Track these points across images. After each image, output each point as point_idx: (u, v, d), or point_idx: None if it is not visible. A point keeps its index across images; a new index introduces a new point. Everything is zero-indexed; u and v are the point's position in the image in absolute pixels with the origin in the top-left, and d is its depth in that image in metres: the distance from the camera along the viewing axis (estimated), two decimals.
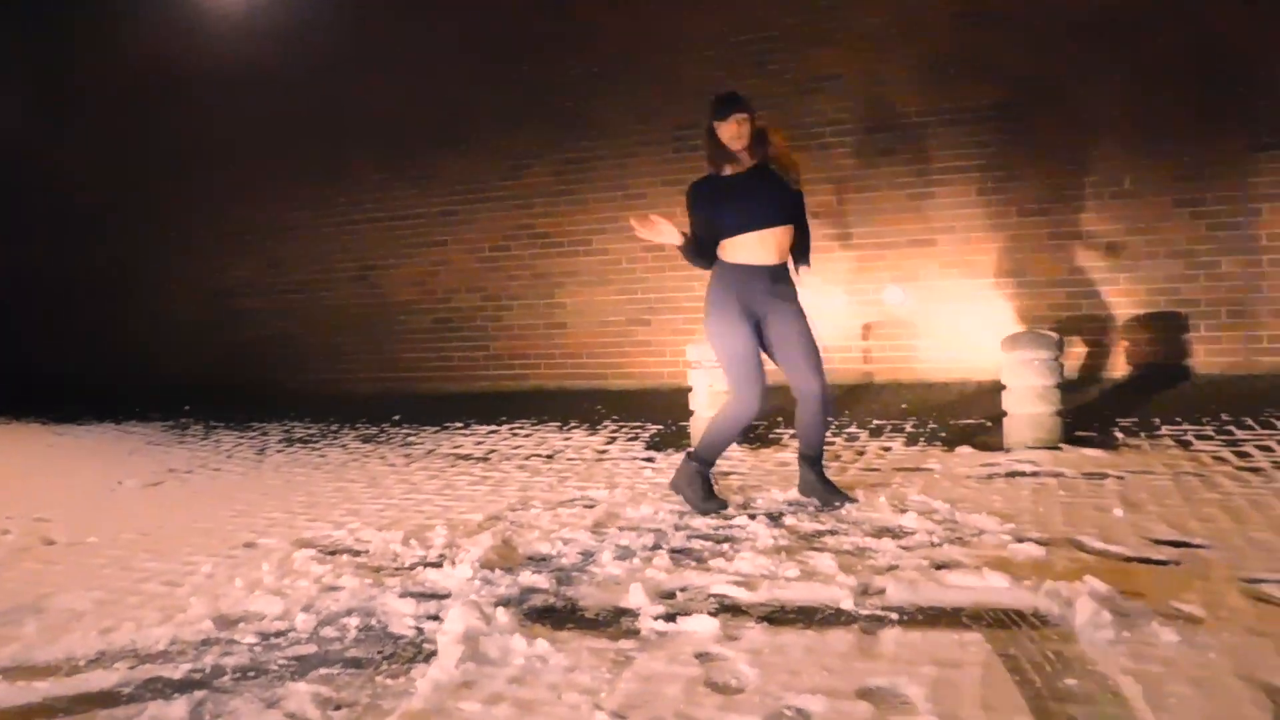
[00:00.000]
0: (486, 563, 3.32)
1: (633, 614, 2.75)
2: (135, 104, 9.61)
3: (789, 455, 4.93)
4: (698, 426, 5.34)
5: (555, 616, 2.81)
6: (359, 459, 5.86)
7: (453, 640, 2.50)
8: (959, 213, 6.77)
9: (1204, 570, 2.82)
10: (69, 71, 10.01)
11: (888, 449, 5.00)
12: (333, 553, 3.71)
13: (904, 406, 6.15)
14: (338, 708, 2.27)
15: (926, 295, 6.86)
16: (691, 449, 4.13)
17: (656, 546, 3.42)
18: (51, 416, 8.71)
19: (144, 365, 9.71)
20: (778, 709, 2.11)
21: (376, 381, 8.70)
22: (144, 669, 2.58)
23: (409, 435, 6.57)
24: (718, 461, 4.09)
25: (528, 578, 3.13)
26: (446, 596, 3.00)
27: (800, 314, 3.85)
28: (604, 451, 5.50)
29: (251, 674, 2.54)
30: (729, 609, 2.75)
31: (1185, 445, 4.62)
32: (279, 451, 6.35)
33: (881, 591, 2.78)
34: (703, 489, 3.92)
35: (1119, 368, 6.49)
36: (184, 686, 2.45)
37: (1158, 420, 5.22)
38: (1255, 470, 4.05)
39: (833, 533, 3.47)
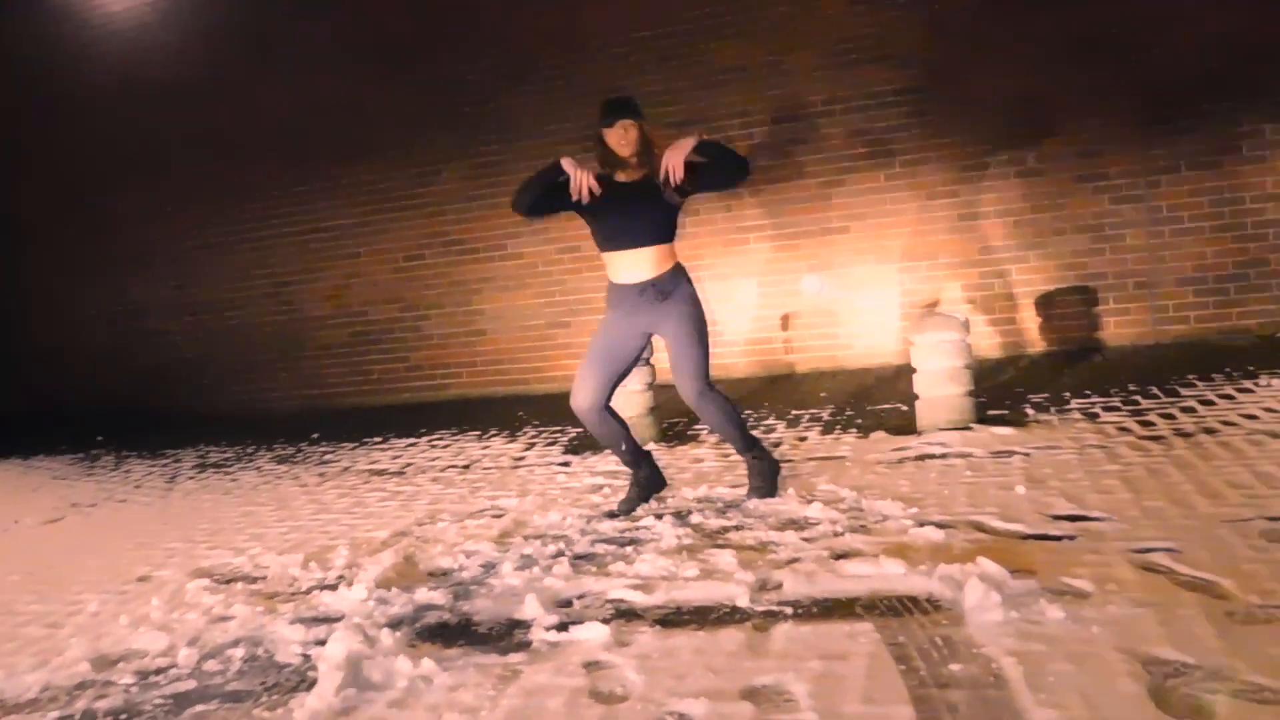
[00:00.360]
0: (384, 582, 3.23)
1: (525, 625, 2.68)
2: (26, 124, 9.27)
3: (704, 452, 4.88)
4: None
5: (447, 634, 2.73)
6: (271, 481, 5.69)
7: (333, 666, 2.41)
8: (870, 199, 6.80)
9: (1096, 544, 2.82)
10: None
11: (803, 439, 4.98)
12: (228, 581, 3.58)
13: (823, 395, 6.15)
14: None
15: (842, 282, 6.89)
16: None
17: (559, 554, 3.34)
18: None
19: (51, 396, 9.39)
20: (660, 715, 2.05)
21: (295, 399, 8.48)
22: None
23: (326, 453, 6.40)
24: (624, 465, 3.96)
25: (424, 595, 3.04)
26: (339, 620, 2.89)
27: (682, 319, 3.63)
28: (521, 459, 5.40)
29: (124, 716, 2.43)
30: (624, 614, 2.69)
31: (1092, 418, 4.65)
32: (191, 478, 6.14)
33: (779, 586, 2.74)
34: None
35: (1034, 344, 6.58)
36: None
37: (1068, 395, 5.27)
38: (1157, 439, 4.09)
39: (738, 528, 3.42)
